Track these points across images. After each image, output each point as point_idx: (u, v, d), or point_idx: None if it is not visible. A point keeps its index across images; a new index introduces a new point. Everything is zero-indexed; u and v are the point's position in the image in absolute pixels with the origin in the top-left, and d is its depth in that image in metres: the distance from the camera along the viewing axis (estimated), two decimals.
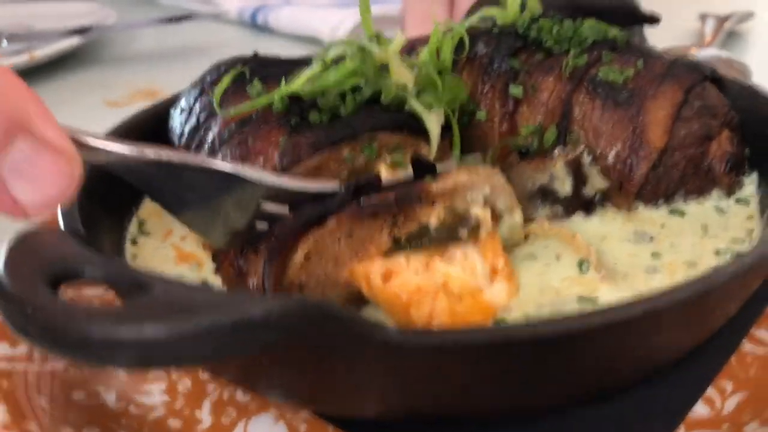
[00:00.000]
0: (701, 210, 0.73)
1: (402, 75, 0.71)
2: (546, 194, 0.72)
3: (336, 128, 0.67)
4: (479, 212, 0.63)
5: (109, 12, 1.71)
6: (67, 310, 0.43)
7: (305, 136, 0.67)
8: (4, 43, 1.55)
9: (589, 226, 0.72)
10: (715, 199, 0.74)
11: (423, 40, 0.90)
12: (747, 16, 1.48)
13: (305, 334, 0.45)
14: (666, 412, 0.59)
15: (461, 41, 0.78)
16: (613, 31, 0.77)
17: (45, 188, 0.50)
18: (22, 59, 1.45)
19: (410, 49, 0.87)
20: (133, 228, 0.77)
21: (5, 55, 1.50)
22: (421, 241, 0.62)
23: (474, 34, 0.80)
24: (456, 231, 0.63)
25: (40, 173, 0.49)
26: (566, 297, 0.63)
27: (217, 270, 0.68)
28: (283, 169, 0.65)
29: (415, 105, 0.70)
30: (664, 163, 0.71)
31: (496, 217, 0.67)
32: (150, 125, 0.85)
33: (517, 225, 0.68)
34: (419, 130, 0.70)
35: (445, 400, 0.53)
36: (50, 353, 0.46)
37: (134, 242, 0.75)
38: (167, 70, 1.54)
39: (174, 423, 0.63)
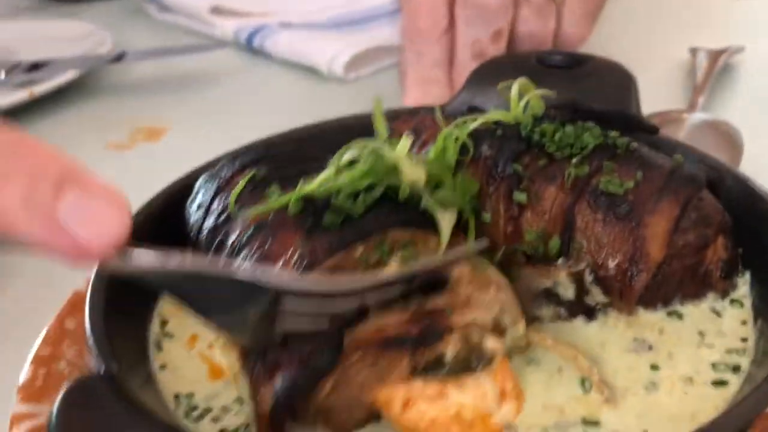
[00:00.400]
0: (698, 312, 0.77)
1: (413, 173, 0.74)
2: (550, 296, 0.76)
3: (349, 230, 0.71)
4: (494, 346, 0.67)
5: (104, 35, 1.71)
6: None
7: (320, 240, 0.70)
8: (2, 74, 1.55)
9: (590, 331, 0.75)
10: (710, 300, 0.77)
11: (426, 122, 0.93)
12: (738, 49, 1.51)
13: None
14: None
15: (465, 143, 0.81)
16: (615, 137, 0.80)
17: (103, 224, 0.56)
18: (22, 96, 1.45)
19: (416, 128, 0.90)
20: (155, 328, 0.80)
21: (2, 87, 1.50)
22: (437, 370, 0.66)
23: (478, 134, 0.83)
24: (470, 362, 0.66)
25: (96, 212, 0.56)
26: (570, 418, 0.67)
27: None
28: (303, 271, 0.68)
29: (429, 203, 0.74)
30: (662, 272, 0.75)
31: (502, 330, 0.71)
32: (162, 212, 0.88)
33: (521, 336, 0.72)
34: (429, 225, 0.73)
35: None
36: None
37: (159, 347, 0.78)
38: (169, 102, 1.55)
39: None
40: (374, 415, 0.67)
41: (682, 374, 0.71)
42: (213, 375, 0.74)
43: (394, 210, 0.73)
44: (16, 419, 0.75)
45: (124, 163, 1.35)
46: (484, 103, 0.94)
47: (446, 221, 0.74)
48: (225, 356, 0.76)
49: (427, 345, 0.65)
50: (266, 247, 0.72)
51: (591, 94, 0.92)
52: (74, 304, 0.90)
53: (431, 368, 0.66)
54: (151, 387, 0.73)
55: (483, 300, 0.68)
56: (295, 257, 0.70)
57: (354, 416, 0.66)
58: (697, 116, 1.17)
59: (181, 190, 0.89)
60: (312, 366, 0.61)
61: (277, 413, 0.62)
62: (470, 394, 0.66)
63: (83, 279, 0.93)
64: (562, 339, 0.74)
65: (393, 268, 0.69)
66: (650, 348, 0.73)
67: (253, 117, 1.49)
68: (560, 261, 0.75)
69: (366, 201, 0.72)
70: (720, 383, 0.69)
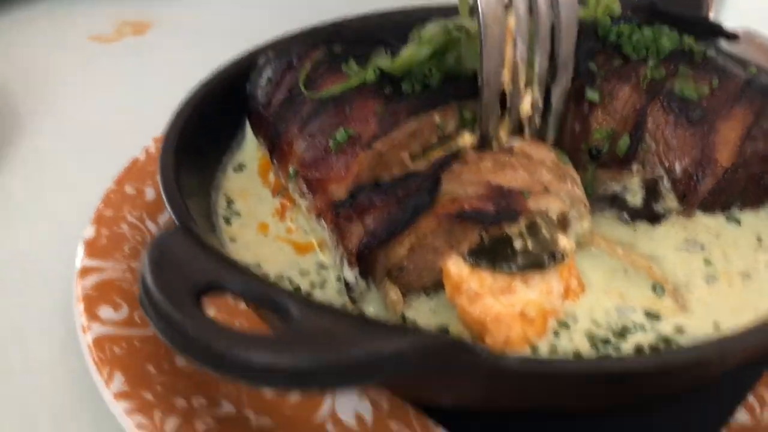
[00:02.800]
0: (756, 219, 0.78)
1: None
2: (615, 200, 0.77)
3: (429, 95, 0.73)
4: (566, 244, 0.68)
5: None
6: (227, 336, 0.49)
7: (401, 104, 0.73)
8: None
9: (642, 232, 0.77)
10: None
11: None
12: None
13: (433, 365, 0.51)
14: (711, 416, 0.66)
15: None
16: (690, 43, 0.80)
17: None
18: None
19: None
20: (222, 204, 0.82)
21: None
22: (510, 265, 0.67)
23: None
24: (539, 259, 0.67)
25: None
26: (631, 304, 0.69)
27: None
28: (384, 133, 0.71)
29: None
30: (727, 178, 0.76)
31: (566, 224, 0.73)
32: (220, 90, 0.88)
33: (586, 233, 0.73)
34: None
35: (529, 404, 0.60)
36: (205, 371, 0.51)
37: (228, 222, 0.79)
38: None
39: (268, 393, 0.69)
40: (440, 283, 0.69)
41: (739, 270, 0.73)
42: (299, 251, 0.76)
43: (472, 83, 0.74)
44: (84, 272, 0.77)
45: (111, 56, 1.32)
46: None
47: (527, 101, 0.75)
48: (307, 226, 0.78)
49: (500, 223, 0.66)
50: (345, 112, 0.74)
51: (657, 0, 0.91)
52: (133, 171, 0.91)
53: (500, 262, 0.67)
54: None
55: (560, 190, 0.69)
56: (375, 120, 0.72)
57: (423, 279, 0.68)
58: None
59: (237, 70, 0.89)
60: (410, 204, 0.63)
61: (368, 247, 0.64)
62: (537, 291, 0.67)
63: (141, 148, 0.94)
64: (615, 238, 0.76)
65: (467, 139, 0.71)
66: (702, 248, 0.75)
67: (243, 9, 1.44)
68: (635, 166, 0.76)
69: (441, 70, 0.74)
70: None
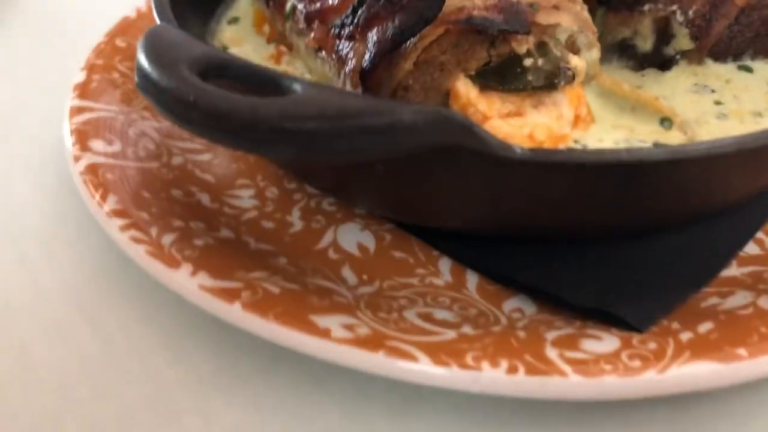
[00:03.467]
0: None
1: None
2: (623, 48, 0.75)
3: None
4: (577, 62, 0.66)
5: None
6: (231, 99, 0.46)
7: None
8: None
9: (650, 78, 0.75)
10: None
11: None
12: None
13: (443, 141, 0.48)
14: (722, 247, 0.65)
15: None
16: None
17: None
18: None
19: None
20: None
21: None
22: (520, 84, 0.65)
23: None
24: (552, 78, 0.65)
25: None
26: (641, 137, 0.67)
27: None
28: None
29: None
30: (740, 21, 0.74)
31: (576, 52, 0.70)
32: None
33: (594, 61, 0.70)
34: None
35: (535, 216, 0.58)
36: (209, 139, 0.48)
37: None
38: None
39: (267, 224, 0.67)
40: (446, 106, 0.66)
41: (750, 110, 0.71)
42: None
43: None
44: (74, 111, 0.74)
45: None
46: None
47: None
48: (306, 68, 0.75)
49: (509, 32, 0.63)
50: None
51: None
52: (123, 28, 0.88)
53: (510, 83, 0.65)
54: None
55: (570, 9, 0.67)
56: None
57: (429, 101, 0.65)
58: None
59: None
60: (417, 9, 0.60)
61: (373, 62, 0.61)
62: (546, 115, 0.65)
63: (132, 6, 0.91)
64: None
65: None
66: (713, 91, 0.73)
67: None
68: (647, 6, 0.74)
69: None
70: None
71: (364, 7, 0.63)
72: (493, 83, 0.65)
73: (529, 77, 0.65)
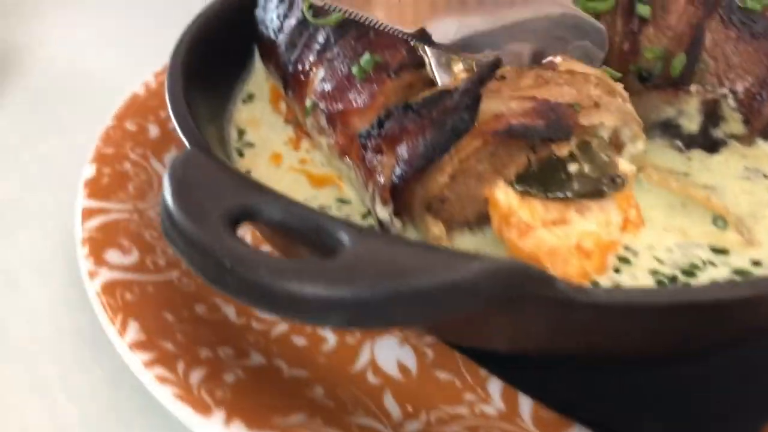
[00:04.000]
0: None
1: None
2: (669, 127, 0.70)
3: None
4: (626, 167, 0.61)
5: None
6: (272, 265, 0.42)
7: None
8: None
9: (696, 160, 0.70)
10: None
11: None
12: None
13: (508, 295, 0.44)
14: None
15: None
16: None
17: None
18: None
19: None
20: (233, 135, 0.74)
21: None
22: (565, 191, 0.60)
23: None
24: (599, 185, 0.60)
25: None
26: (695, 240, 0.63)
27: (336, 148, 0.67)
28: (414, 61, 0.65)
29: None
30: None
31: (620, 146, 0.66)
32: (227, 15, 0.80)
33: (639, 155, 0.66)
34: None
35: (599, 347, 0.54)
36: (251, 307, 0.44)
37: (240, 154, 0.73)
38: None
39: (299, 341, 0.63)
40: (485, 216, 0.62)
41: None
42: (314, 183, 0.69)
43: None
44: (86, 214, 0.70)
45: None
46: None
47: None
48: (328, 163, 0.71)
49: (552, 139, 0.59)
50: (370, 37, 0.67)
51: None
52: (132, 108, 0.83)
53: (554, 190, 0.60)
54: None
55: (611, 105, 0.62)
56: (405, 47, 0.65)
57: (467, 210, 0.61)
58: None
59: None
60: (448, 124, 0.55)
61: (404, 179, 0.57)
62: (594, 221, 0.60)
63: (140, 83, 0.86)
64: (667, 168, 0.70)
65: None
66: (765, 176, 0.69)
67: None
68: (694, 87, 0.69)
69: None
70: None
71: (391, 119, 0.58)
72: (536, 190, 0.60)
73: (575, 185, 0.60)
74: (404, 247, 0.44)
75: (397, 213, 0.60)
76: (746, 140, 0.71)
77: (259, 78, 0.81)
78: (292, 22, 0.75)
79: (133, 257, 0.66)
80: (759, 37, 0.69)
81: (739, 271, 0.60)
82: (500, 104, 0.59)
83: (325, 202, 0.67)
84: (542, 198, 0.60)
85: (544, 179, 0.61)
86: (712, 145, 0.70)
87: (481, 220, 0.62)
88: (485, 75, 0.58)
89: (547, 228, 0.60)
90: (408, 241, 0.48)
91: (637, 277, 0.60)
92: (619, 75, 0.66)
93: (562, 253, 0.59)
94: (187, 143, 0.60)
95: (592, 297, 0.47)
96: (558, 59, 0.65)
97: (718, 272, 0.60)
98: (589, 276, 0.60)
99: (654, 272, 0.61)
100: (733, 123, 0.69)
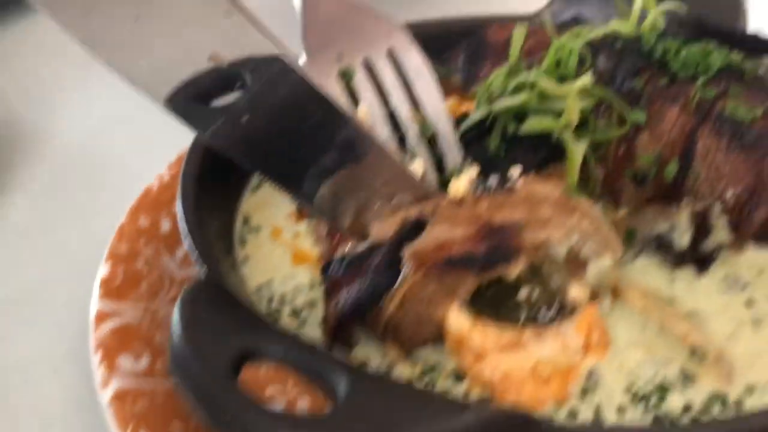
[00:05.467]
0: None
1: (574, 115, 0.71)
2: (660, 244, 0.71)
3: None
4: (577, 293, 0.62)
5: None
6: (268, 418, 0.44)
7: None
8: None
9: (691, 287, 0.70)
10: None
11: (537, 42, 0.87)
12: None
13: None
14: None
15: (581, 55, 0.76)
16: (740, 60, 0.75)
17: None
18: None
19: (525, 52, 0.83)
20: (238, 225, 0.78)
21: None
22: (514, 318, 0.61)
23: (594, 45, 0.78)
24: (547, 312, 0.61)
25: None
26: (669, 364, 0.63)
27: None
28: None
29: (568, 138, 0.71)
30: None
31: (582, 263, 0.64)
32: None
33: (606, 270, 0.65)
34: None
35: None
36: None
37: (242, 241, 0.76)
38: None
39: None
40: (443, 334, 0.63)
41: None
42: (296, 260, 0.73)
43: (531, 152, 0.71)
44: (100, 318, 0.73)
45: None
46: (585, 14, 0.88)
47: (579, 153, 0.71)
48: (314, 242, 0.74)
49: (494, 265, 0.60)
50: None
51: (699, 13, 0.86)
52: (146, 202, 0.86)
53: (503, 315, 0.61)
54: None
55: (562, 223, 0.63)
56: None
57: (422, 333, 0.63)
58: None
59: None
60: (372, 285, 0.59)
61: (340, 326, 0.60)
62: (550, 346, 0.60)
63: (155, 175, 0.89)
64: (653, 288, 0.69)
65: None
66: (743, 288, 0.69)
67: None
68: (684, 200, 0.71)
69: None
70: None
71: (332, 268, 0.62)
72: (487, 312, 0.61)
73: (523, 311, 0.61)
74: (399, 394, 0.47)
75: (337, 341, 0.62)
76: (736, 247, 0.73)
77: None
78: None
79: (144, 362, 0.69)
80: (748, 147, 0.71)
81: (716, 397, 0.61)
82: (447, 231, 0.60)
83: (301, 280, 0.71)
84: (495, 321, 0.60)
85: (495, 303, 0.62)
86: (701, 261, 0.71)
87: (439, 337, 0.64)
88: (404, 236, 0.61)
89: (502, 353, 0.60)
90: (406, 388, 0.50)
91: (603, 407, 0.60)
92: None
93: (516, 379, 0.60)
94: (199, 267, 0.63)
95: None
96: (519, 182, 0.66)
97: (691, 395, 0.61)
98: (545, 402, 0.60)
99: (620, 405, 0.60)
100: (721, 230, 0.70)
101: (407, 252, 0.60)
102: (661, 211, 0.71)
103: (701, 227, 0.70)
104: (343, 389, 0.47)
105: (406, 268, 0.59)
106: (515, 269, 0.61)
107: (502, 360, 0.59)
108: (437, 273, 0.60)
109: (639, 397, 0.61)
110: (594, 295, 0.64)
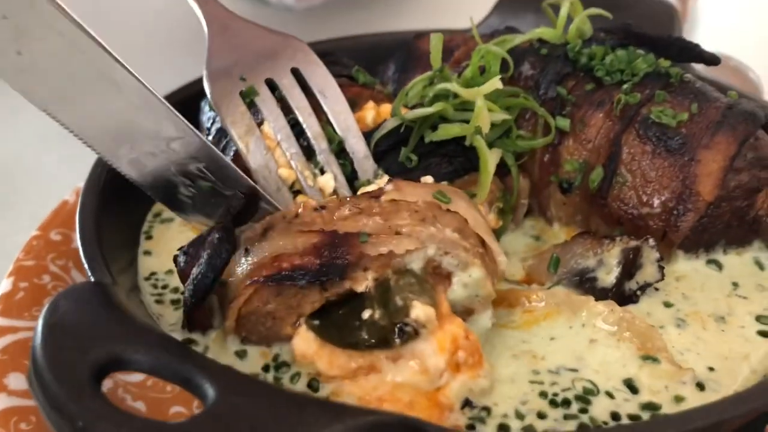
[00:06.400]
0: (739, 263, 0.71)
1: (485, 122, 0.69)
2: (584, 279, 0.67)
3: None
4: (420, 313, 0.55)
5: None
6: (121, 426, 0.40)
7: None
8: None
9: None
10: (755, 249, 0.72)
11: (458, 41, 0.85)
12: None
13: None
14: None
15: (504, 60, 0.74)
16: (666, 65, 0.73)
17: None
18: None
19: (446, 51, 0.82)
20: (147, 221, 0.77)
21: None
22: (354, 340, 0.55)
23: (519, 51, 0.76)
24: (388, 334, 0.55)
25: None
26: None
27: None
28: None
29: (479, 144, 0.69)
30: (710, 213, 0.69)
31: (447, 275, 0.58)
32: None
33: (475, 284, 0.58)
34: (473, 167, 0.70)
35: None
36: None
37: (149, 237, 0.75)
38: None
39: None
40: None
41: (710, 312, 0.65)
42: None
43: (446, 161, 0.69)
44: None
45: None
46: (521, 27, 0.86)
47: (492, 163, 0.69)
48: None
49: (330, 280, 0.55)
50: None
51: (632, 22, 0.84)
52: (60, 215, 0.82)
53: (346, 338, 0.55)
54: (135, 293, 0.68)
55: (417, 233, 0.57)
56: None
57: (272, 345, 0.59)
58: None
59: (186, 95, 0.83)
60: (207, 264, 0.55)
61: (189, 313, 0.58)
62: (406, 370, 0.54)
63: (71, 188, 0.86)
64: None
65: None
66: (656, 290, 0.67)
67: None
68: (618, 238, 0.67)
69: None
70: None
71: (179, 257, 0.60)
72: (332, 337, 0.55)
73: (364, 334, 0.55)
74: (270, 401, 0.43)
75: (192, 330, 0.60)
76: (666, 255, 0.70)
77: None
78: (215, 128, 0.76)
79: None
80: (674, 152, 0.69)
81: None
82: (288, 241, 0.56)
83: None
84: (338, 343, 0.55)
85: (339, 323, 0.56)
86: (625, 298, 0.66)
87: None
88: (236, 207, 0.60)
89: (352, 379, 0.54)
90: (277, 392, 0.46)
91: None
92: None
93: (372, 403, 0.53)
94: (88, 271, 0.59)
95: None
96: (389, 186, 0.61)
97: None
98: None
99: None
100: (650, 269, 0.66)
101: (240, 233, 0.58)
102: (591, 246, 0.68)
103: (629, 266, 0.66)
104: (211, 395, 0.43)
105: (243, 272, 0.56)
106: (360, 284, 0.55)
107: (354, 386, 0.54)
108: (274, 287, 0.55)
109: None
110: (468, 311, 0.59)
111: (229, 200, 0.59)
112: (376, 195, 0.59)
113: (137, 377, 0.68)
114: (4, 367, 0.65)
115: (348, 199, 0.59)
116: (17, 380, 0.64)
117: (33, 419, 0.61)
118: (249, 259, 0.55)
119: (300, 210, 0.58)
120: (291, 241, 0.55)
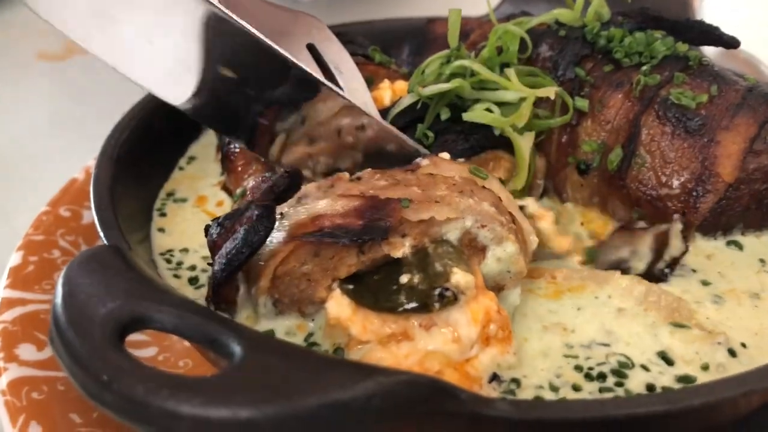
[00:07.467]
0: (759, 243, 0.71)
1: (525, 119, 0.69)
2: (619, 267, 0.67)
3: None
4: (460, 279, 0.54)
5: None
6: (148, 380, 0.39)
7: None
8: None
9: None
10: None
11: (473, 24, 0.85)
12: None
13: (411, 412, 0.42)
14: None
15: (523, 40, 0.74)
16: (685, 48, 0.73)
17: None
18: None
19: (462, 34, 0.81)
20: (160, 199, 0.76)
21: None
22: (392, 304, 0.54)
23: (537, 32, 0.75)
24: (427, 299, 0.54)
25: None
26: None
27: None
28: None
29: (512, 135, 0.69)
30: (729, 195, 0.68)
31: (481, 248, 0.58)
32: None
33: (508, 259, 0.58)
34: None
35: None
36: (133, 427, 0.41)
37: (162, 214, 0.74)
38: None
39: None
40: None
41: (744, 289, 0.65)
42: None
43: (462, 138, 0.68)
44: (4, 305, 0.67)
45: (59, 74, 1.24)
46: (534, 12, 0.86)
47: (526, 147, 0.69)
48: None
49: (371, 240, 0.54)
50: None
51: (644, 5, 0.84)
52: (70, 192, 0.82)
53: (382, 302, 0.54)
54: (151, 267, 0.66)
55: (455, 203, 0.56)
56: None
57: (305, 310, 0.58)
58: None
59: None
60: (243, 240, 0.53)
61: (217, 288, 0.55)
62: (439, 338, 0.53)
63: (81, 168, 0.85)
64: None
65: None
66: (694, 271, 0.67)
67: None
68: (650, 229, 0.67)
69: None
70: None
71: (210, 230, 0.57)
72: (367, 301, 0.54)
73: (402, 298, 0.54)
74: (299, 361, 0.42)
75: (218, 305, 0.57)
76: (686, 235, 0.70)
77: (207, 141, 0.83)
78: None
79: (46, 352, 0.63)
80: (694, 133, 0.68)
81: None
82: (328, 204, 0.55)
83: None
84: (373, 307, 0.54)
85: (375, 287, 0.55)
86: (652, 280, 0.65)
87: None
88: (280, 186, 0.57)
89: (384, 344, 0.53)
90: (306, 352, 0.46)
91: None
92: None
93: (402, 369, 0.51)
94: (103, 238, 0.59)
95: (500, 411, 0.44)
96: (425, 161, 0.61)
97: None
98: None
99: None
100: (677, 243, 0.67)
101: (286, 222, 0.55)
102: (627, 240, 0.68)
103: (660, 248, 0.66)
104: (238, 353, 0.42)
105: (279, 235, 0.54)
106: (398, 249, 0.55)
107: (383, 353, 0.53)
108: (312, 246, 0.54)
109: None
110: (499, 287, 0.59)
111: (275, 179, 0.57)
112: (411, 169, 0.58)
113: (149, 352, 0.67)
114: (15, 338, 0.64)
115: (383, 172, 0.58)
116: (28, 351, 0.63)
117: (45, 389, 0.60)
118: (285, 222, 0.54)
119: (335, 180, 0.57)
120: (330, 203, 0.54)
